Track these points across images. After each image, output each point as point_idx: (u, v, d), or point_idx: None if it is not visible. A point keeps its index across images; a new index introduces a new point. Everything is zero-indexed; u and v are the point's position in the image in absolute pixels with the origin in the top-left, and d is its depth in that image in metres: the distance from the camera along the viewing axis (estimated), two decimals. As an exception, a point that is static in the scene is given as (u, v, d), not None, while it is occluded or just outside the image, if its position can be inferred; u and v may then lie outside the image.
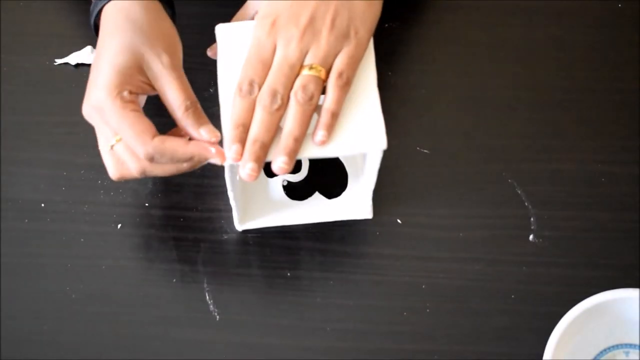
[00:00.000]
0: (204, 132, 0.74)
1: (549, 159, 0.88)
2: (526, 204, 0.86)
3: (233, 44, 0.77)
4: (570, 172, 0.88)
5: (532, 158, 0.88)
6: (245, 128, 0.73)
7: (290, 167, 0.73)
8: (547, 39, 0.92)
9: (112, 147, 0.75)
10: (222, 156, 0.74)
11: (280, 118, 0.74)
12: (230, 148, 0.73)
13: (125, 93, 0.74)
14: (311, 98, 0.74)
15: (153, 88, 0.76)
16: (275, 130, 0.74)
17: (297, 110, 0.73)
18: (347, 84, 0.75)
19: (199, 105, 0.76)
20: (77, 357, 0.82)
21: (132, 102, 0.74)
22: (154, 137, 0.73)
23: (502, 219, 0.86)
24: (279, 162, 0.73)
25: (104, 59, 0.75)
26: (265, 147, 0.73)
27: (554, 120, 0.89)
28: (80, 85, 0.88)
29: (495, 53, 0.92)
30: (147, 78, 0.75)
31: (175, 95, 0.74)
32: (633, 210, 0.86)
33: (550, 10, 0.93)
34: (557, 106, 0.90)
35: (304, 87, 0.74)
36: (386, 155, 0.76)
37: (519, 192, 0.87)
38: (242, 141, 0.73)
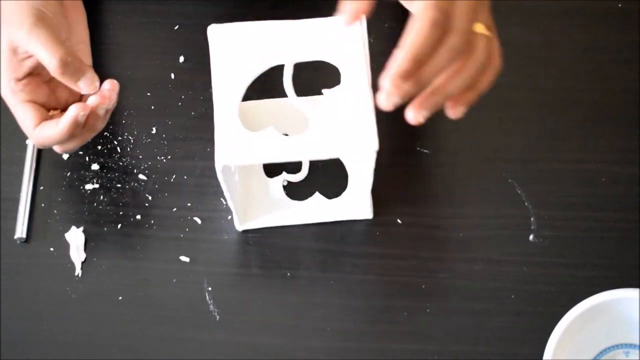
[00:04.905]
0: (83, 86, 0.74)
1: (549, 159, 0.88)
2: (526, 204, 0.86)
3: (226, 45, 0.76)
4: (570, 172, 0.88)
5: (532, 158, 0.88)
6: (419, 65, 0.64)
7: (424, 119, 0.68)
8: (546, 38, 0.92)
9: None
10: (103, 99, 0.74)
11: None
12: (395, 84, 0.63)
13: (12, 84, 0.75)
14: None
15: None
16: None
17: (469, 70, 0.68)
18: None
19: (73, 58, 0.73)
20: (77, 357, 0.82)
21: (21, 91, 0.75)
22: (35, 127, 0.75)
23: (502, 219, 0.86)
24: (418, 116, 0.68)
25: None
26: (445, 100, 0.67)
27: (554, 120, 0.89)
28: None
29: (495, 53, 0.92)
30: (23, 53, 0.74)
31: (45, 55, 0.72)
32: (633, 210, 0.86)
33: (550, 10, 0.93)
34: (557, 106, 0.90)
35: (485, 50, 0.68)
36: (387, 155, 0.75)
37: (519, 192, 0.87)
38: (412, 78, 0.64)
